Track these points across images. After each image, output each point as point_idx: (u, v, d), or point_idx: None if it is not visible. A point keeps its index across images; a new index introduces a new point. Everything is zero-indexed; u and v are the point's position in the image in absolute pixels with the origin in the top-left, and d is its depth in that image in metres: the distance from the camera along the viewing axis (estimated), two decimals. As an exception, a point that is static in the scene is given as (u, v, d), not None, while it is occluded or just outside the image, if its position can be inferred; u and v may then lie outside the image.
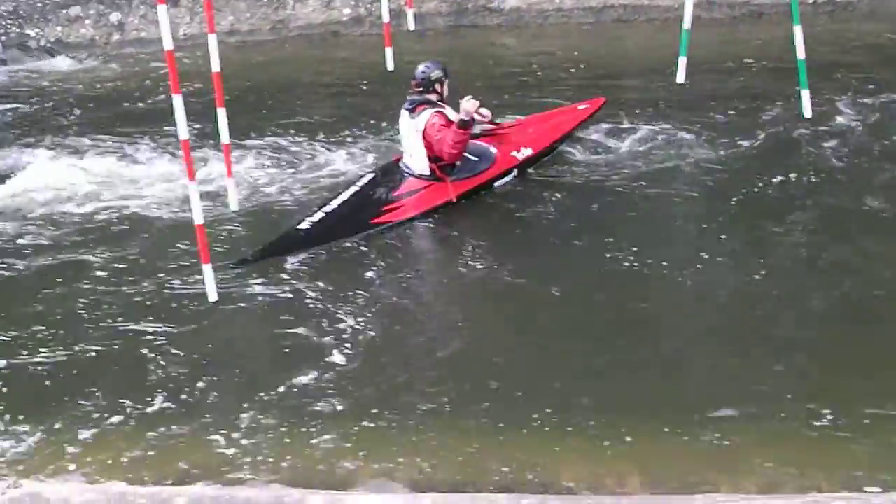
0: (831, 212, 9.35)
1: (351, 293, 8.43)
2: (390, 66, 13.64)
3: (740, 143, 10.87)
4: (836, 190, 9.74)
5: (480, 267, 8.77)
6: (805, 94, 11.25)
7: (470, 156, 10.17)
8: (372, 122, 12.05)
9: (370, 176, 10.31)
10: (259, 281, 8.70)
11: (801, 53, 11.08)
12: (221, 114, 9.55)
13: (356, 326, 7.94)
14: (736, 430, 6.54)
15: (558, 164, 10.72)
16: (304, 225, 9.52)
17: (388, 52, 13.65)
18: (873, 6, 15.26)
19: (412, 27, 15.18)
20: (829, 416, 6.58)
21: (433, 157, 9.93)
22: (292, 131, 12.03)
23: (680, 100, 12.17)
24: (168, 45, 8.03)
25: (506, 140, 10.65)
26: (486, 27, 16.00)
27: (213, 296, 8.39)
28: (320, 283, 8.63)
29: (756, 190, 9.83)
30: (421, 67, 10.07)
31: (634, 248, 8.80)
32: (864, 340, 7.41)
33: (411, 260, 9.30)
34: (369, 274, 8.78)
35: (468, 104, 9.68)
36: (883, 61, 13.05)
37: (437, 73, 10.02)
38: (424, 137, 9.86)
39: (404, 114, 10.12)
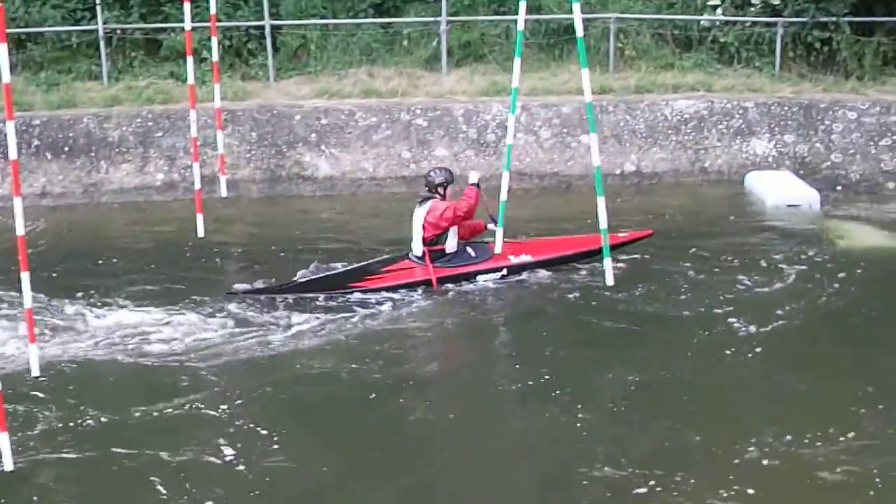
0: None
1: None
2: (201, 232, 13.86)
3: (546, 308, 11.56)
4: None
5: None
6: (607, 263, 11.89)
7: (470, 250, 12.31)
8: (180, 288, 12.23)
9: (384, 257, 12.52)
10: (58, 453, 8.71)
11: (603, 223, 11.75)
12: (25, 278, 9.58)
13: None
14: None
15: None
16: (299, 277, 11.95)
17: (200, 218, 13.89)
18: (678, 179, 16.35)
19: (224, 194, 15.46)
20: None
21: (427, 241, 11.99)
22: (100, 297, 12.09)
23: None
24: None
25: (515, 246, 12.62)
26: (299, 195, 16.43)
27: (8, 464, 8.32)
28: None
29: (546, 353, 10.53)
30: (430, 173, 12.44)
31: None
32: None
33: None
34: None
35: (475, 174, 12.44)
36: (677, 232, 14.14)
37: (440, 179, 12.27)
38: (425, 222, 11.99)
39: (416, 207, 12.22)
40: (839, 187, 16.88)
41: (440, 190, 12.23)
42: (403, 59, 18.95)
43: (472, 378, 10.34)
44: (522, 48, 12.51)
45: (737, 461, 8.40)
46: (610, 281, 11.81)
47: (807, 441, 8.63)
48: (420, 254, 12.15)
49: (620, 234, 12.98)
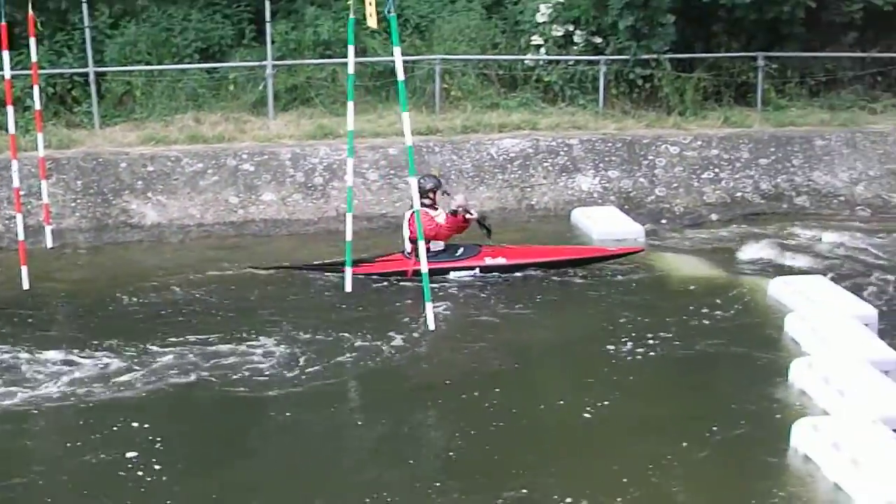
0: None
1: None
2: (26, 284, 13.97)
3: (370, 354, 11.97)
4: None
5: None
6: (429, 308, 12.54)
7: (461, 249, 14.43)
8: (3, 347, 12.19)
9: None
10: None
11: (424, 267, 12.47)
12: None
13: None
14: None
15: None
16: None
17: (24, 270, 13.98)
18: (505, 217, 17.06)
19: (50, 244, 15.56)
20: None
21: (412, 240, 13.70)
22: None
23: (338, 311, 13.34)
24: None
25: (500, 249, 14.56)
26: (127, 243, 16.58)
27: None
28: None
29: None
30: (420, 180, 14.15)
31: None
32: None
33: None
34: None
35: (460, 198, 14.32)
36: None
37: (430, 185, 14.39)
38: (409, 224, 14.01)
39: (406, 210, 14.20)
40: (664, 220, 17.70)
41: (430, 195, 14.36)
42: (230, 104, 19.41)
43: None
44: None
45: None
46: (432, 325, 12.49)
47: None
48: (408, 249, 14.23)
49: (611, 248, 15.04)
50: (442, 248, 14.42)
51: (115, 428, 10.12)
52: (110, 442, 9.86)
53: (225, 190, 17.47)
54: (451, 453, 9.75)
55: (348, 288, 13.54)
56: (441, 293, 13.66)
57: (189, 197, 17.34)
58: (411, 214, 13.79)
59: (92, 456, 9.61)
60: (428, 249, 13.47)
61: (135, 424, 10.17)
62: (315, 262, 14.83)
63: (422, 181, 14.32)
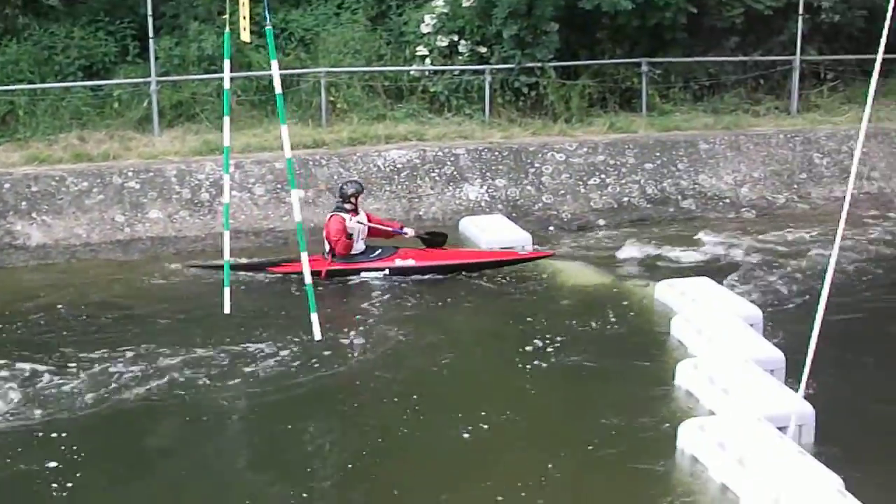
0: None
1: None
2: None
3: (253, 367, 12.07)
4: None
5: None
6: (314, 318, 12.54)
7: (379, 250, 15.06)
8: None
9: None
10: None
11: (308, 279, 12.49)
12: None
13: None
14: None
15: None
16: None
17: None
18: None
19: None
20: None
21: (329, 242, 14.72)
22: None
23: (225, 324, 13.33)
24: None
25: (415, 251, 15.14)
26: (12, 266, 16.45)
27: None
28: None
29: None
30: (343, 185, 15.19)
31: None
32: None
33: None
34: None
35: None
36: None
37: (352, 190, 14.97)
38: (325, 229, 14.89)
39: (328, 213, 15.10)
40: (551, 227, 18.01)
41: (352, 200, 14.92)
42: (114, 122, 19.38)
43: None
44: (234, 105, 13.15)
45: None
46: (318, 335, 12.51)
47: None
48: (327, 249, 14.88)
49: (521, 252, 15.66)
50: (362, 248, 15.07)
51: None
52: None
53: (111, 209, 17.40)
54: (325, 471, 9.80)
55: (227, 310, 13.34)
56: (331, 300, 13.93)
57: (74, 217, 17.24)
58: (329, 218, 14.85)
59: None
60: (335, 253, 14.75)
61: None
62: (242, 262, 15.38)
63: (344, 187, 15.15)
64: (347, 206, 14.93)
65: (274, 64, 12.37)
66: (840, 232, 10.05)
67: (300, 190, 16.43)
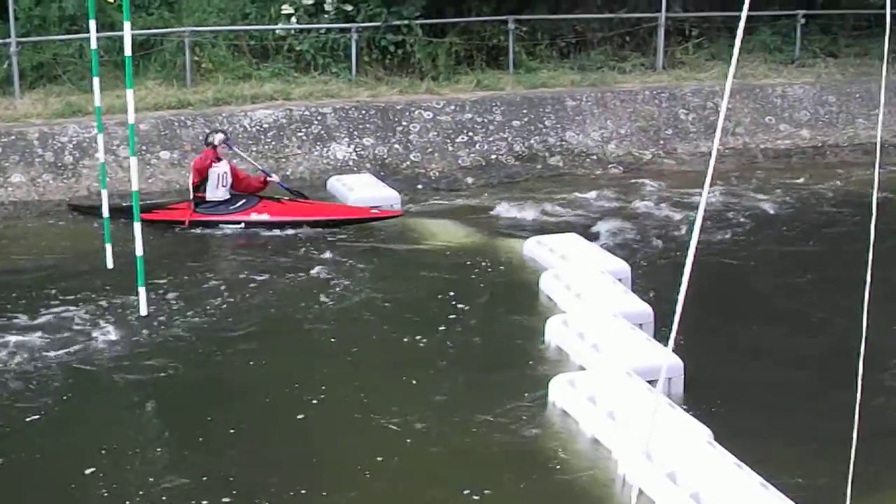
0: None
1: None
2: None
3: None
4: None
5: None
6: (141, 292, 12.04)
7: (241, 201, 15.27)
8: None
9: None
10: None
11: (139, 251, 11.91)
12: None
13: None
14: None
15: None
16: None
17: None
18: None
19: None
20: None
21: (194, 187, 15.13)
22: None
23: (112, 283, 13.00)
24: None
25: (272, 205, 15.30)
26: None
27: None
28: None
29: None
30: (209, 133, 15.55)
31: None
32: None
33: None
34: None
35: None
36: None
37: (212, 138, 15.20)
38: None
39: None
40: (420, 186, 18.11)
41: (213, 145, 15.07)
42: (-27, 84, 18.91)
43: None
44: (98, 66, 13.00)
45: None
46: (144, 311, 12.03)
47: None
48: (191, 196, 15.23)
49: (373, 211, 15.51)
50: (227, 197, 15.32)
51: None
52: None
53: (-29, 173, 17.04)
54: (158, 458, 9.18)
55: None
56: (160, 272, 13.28)
57: (-66, 182, 16.88)
58: (195, 159, 15.33)
59: None
60: (202, 199, 15.18)
61: None
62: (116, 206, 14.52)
63: (210, 136, 15.38)
64: (209, 150, 15.17)
65: (126, 25, 11.57)
66: (706, 187, 10.23)
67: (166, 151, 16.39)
